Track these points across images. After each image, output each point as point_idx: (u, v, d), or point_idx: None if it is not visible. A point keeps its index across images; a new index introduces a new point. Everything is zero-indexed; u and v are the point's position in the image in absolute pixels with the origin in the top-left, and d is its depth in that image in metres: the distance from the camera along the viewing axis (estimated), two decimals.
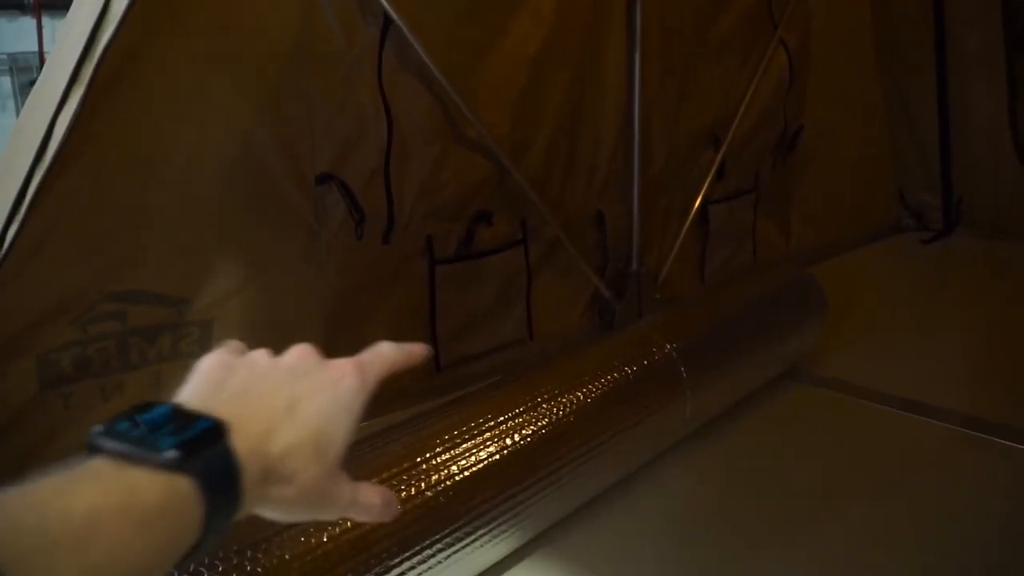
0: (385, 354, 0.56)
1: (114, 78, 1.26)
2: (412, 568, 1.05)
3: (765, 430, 1.70)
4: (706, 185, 2.34)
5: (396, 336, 1.84)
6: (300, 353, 0.54)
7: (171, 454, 0.40)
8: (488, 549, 1.16)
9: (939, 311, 2.46)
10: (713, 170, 2.34)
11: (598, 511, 1.39)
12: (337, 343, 1.64)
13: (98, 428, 0.41)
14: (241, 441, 0.44)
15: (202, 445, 0.42)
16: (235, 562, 0.93)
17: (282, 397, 0.49)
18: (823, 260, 2.63)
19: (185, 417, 0.43)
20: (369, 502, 0.52)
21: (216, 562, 0.91)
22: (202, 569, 0.90)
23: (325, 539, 0.98)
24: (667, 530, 1.36)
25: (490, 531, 1.15)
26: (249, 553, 0.94)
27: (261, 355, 0.54)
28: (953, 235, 3.14)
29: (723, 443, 1.62)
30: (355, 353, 1.68)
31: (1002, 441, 1.62)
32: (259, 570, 0.93)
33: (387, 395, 1.67)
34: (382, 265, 1.70)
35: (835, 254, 2.81)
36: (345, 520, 1.01)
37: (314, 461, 0.48)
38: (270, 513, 0.49)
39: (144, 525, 0.38)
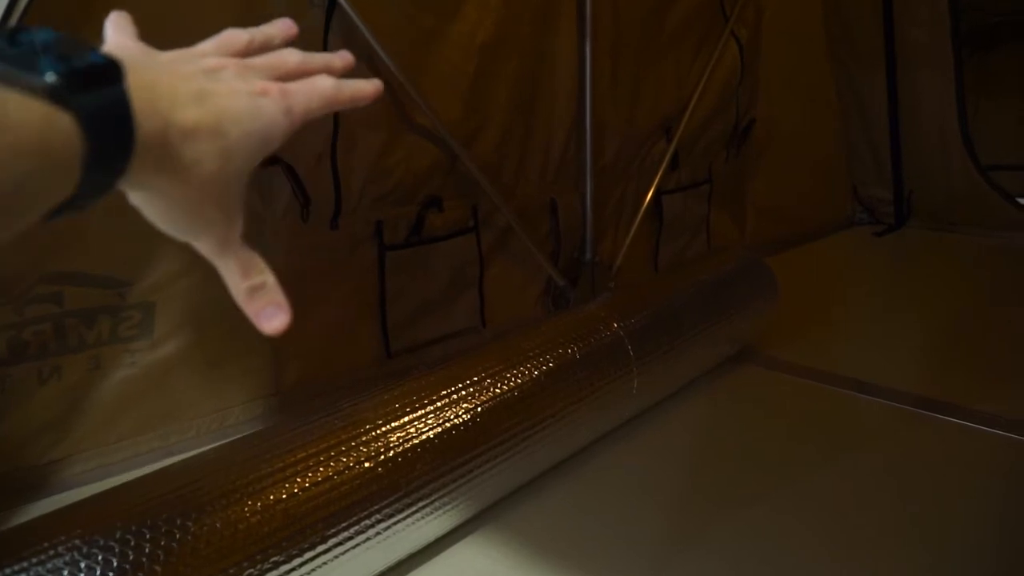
0: (320, 87, 0.49)
1: None
2: (350, 539, 1.03)
3: (715, 409, 1.71)
4: (659, 175, 2.35)
5: (346, 322, 1.84)
6: (221, 61, 0.46)
7: (52, 78, 0.34)
8: (431, 523, 1.15)
9: (889, 299, 2.50)
10: (666, 161, 2.36)
11: (545, 487, 1.38)
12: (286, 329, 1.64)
13: None
14: (141, 93, 0.38)
15: (92, 80, 0.36)
16: (164, 530, 0.91)
17: (193, 84, 0.43)
18: (777, 252, 2.66)
19: (77, 48, 0.36)
20: (261, 275, 0.48)
21: (143, 530, 0.90)
22: (129, 536, 0.89)
23: (259, 506, 0.97)
24: (614, 505, 1.36)
25: (432, 504, 1.14)
26: (179, 521, 0.92)
27: (177, 52, 0.47)
28: (904, 228, 3.20)
29: (672, 421, 1.63)
30: (301, 335, 1.66)
31: (945, 418, 1.65)
32: (188, 538, 0.91)
33: (336, 382, 1.66)
34: (331, 250, 1.69)
35: (789, 246, 2.85)
36: (279, 488, 1.00)
37: (219, 157, 0.42)
38: (149, 206, 0.44)
39: (10, 158, 0.32)
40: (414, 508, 1.11)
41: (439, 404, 1.19)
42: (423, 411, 1.17)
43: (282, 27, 0.53)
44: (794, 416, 1.70)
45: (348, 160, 1.65)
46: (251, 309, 0.49)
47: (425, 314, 1.88)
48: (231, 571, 0.92)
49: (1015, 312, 2.29)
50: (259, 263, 0.49)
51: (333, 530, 1.02)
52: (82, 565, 0.86)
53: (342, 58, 0.53)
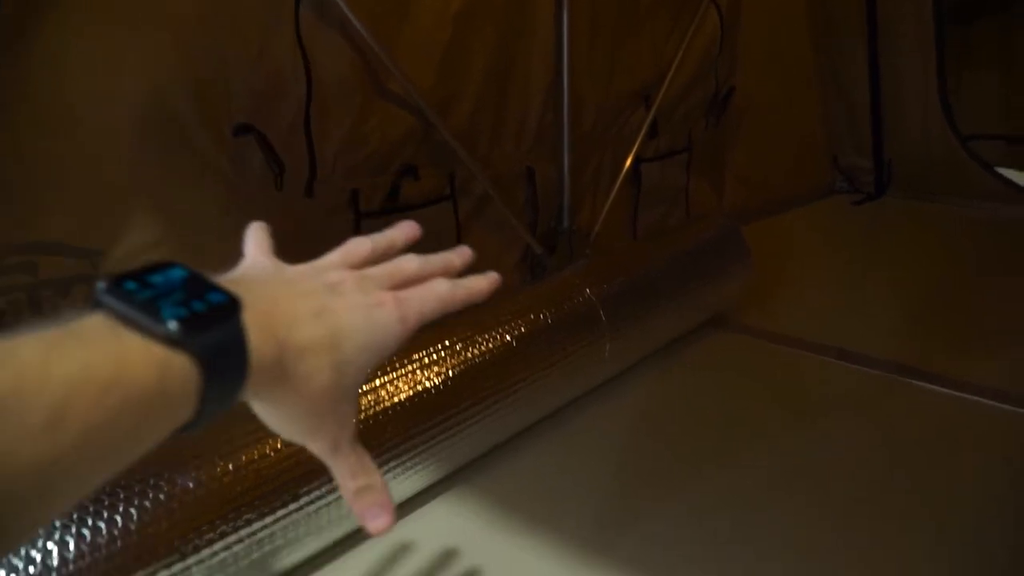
0: (436, 292, 0.52)
1: (15, 35, 1.25)
2: (322, 497, 1.05)
3: (688, 374, 1.73)
4: (637, 143, 2.36)
5: None
6: (341, 275, 0.51)
7: (173, 326, 0.36)
8: (403, 482, 1.18)
9: (866, 267, 2.53)
10: (644, 129, 2.37)
11: (518, 449, 1.41)
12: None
13: (103, 282, 0.37)
14: (258, 321, 0.40)
15: (211, 320, 0.37)
16: (137, 490, 0.93)
17: (313, 302, 0.46)
18: (756, 220, 2.68)
19: (199, 286, 0.39)
20: (368, 476, 0.49)
21: (117, 490, 0.92)
22: (102, 496, 0.90)
23: (231, 467, 0.99)
24: (587, 467, 1.39)
25: (403, 465, 1.16)
26: (152, 482, 0.94)
27: (304, 267, 0.52)
28: (884, 197, 3.22)
29: (646, 385, 1.66)
30: None
31: (920, 384, 1.68)
32: (161, 497, 0.93)
33: None
34: (306, 219, 1.70)
35: (768, 214, 2.86)
36: (251, 448, 1.01)
37: (332, 370, 0.44)
38: (267, 414, 0.47)
39: (128, 408, 0.34)
40: (385, 468, 1.13)
41: (410, 368, 1.21)
42: (394, 374, 1.19)
43: (405, 231, 0.57)
44: (769, 381, 1.73)
45: (322, 128, 1.65)
46: (357, 508, 0.52)
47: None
48: (203, 529, 0.94)
49: (992, 281, 2.32)
50: (368, 464, 0.52)
51: (305, 488, 1.04)
52: (56, 523, 0.88)
53: (461, 256, 0.57)
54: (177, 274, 0.39)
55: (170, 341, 0.35)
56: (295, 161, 1.63)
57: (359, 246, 0.56)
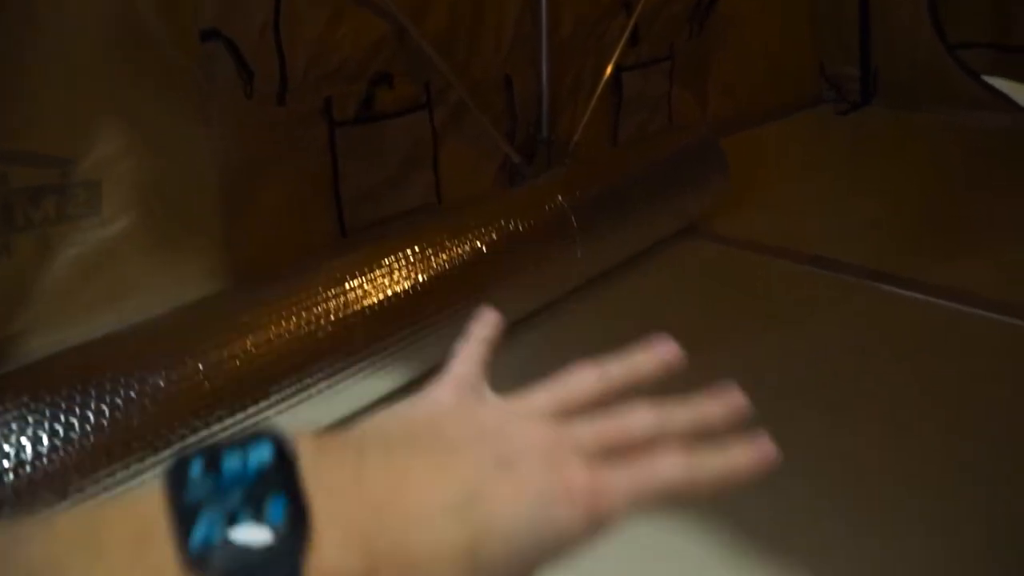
0: (662, 474, 0.35)
1: None
2: (293, 395, 1.09)
3: (661, 280, 1.76)
4: (618, 51, 2.33)
5: (299, 201, 1.84)
6: (529, 437, 0.36)
7: (195, 552, 0.27)
8: (374, 383, 1.20)
9: (848, 176, 2.53)
10: (625, 36, 2.33)
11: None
12: (235, 205, 1.66)
13: (176, 458, 0.30)
14: (346, 527, 0.29)
15: (244, 559, 0.28)
16: (109, 387, 0.95)
17: (461, 488, 0.32)
18: (740, 130, 2.66)
19: (268, 487, 0.29)
20: None
21: (89, 388, 0.94)
22: (75, 394, 0.93)
23: (201, 367, 1.01)
24: (554, 370, 1.42)
25: (374, 365, 1.19)
26: (123, 380, 0.96)
27: (487, 418, 0.37)
28: (869, 107, 3.19)
29: (618, 292, 1.68)
30: (254, 215, 1.67)
31: (893, 289, 1.70)
32: (132, 395, 0.96)
33: (291, 260, 1.66)
34: (279, 128, 1.69)
35: (753, 124, 2.84)
36: (221, 350, 1.04)
37: None
38: None
39: None
40: (356, 368, 1.16)
41: (379, 272, 1.23)
42: (363, 279, 1.21)
43: (660, 354, 0.40)
44: (742, 288, 1.75)
45: (292, 33, 1.63)
46: None
47: (380, 192, 1.89)
48: (176, 425, 0.97)
49: (974, 190, 2.33)
50: None
51: (275, 386, 1.07)
52: (29, 420, 0.90)
53: (726, 403, 0.38)
54: (256, 459, 0.30)
55: (188, 568, 0.28)
56: (265, 68, 1.61)
57: (583, 380, 0.40)
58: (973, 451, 1.19)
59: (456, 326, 1.27)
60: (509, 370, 1.37)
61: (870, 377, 1.39)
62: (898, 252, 1.88)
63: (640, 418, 0.37)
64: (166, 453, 0.96)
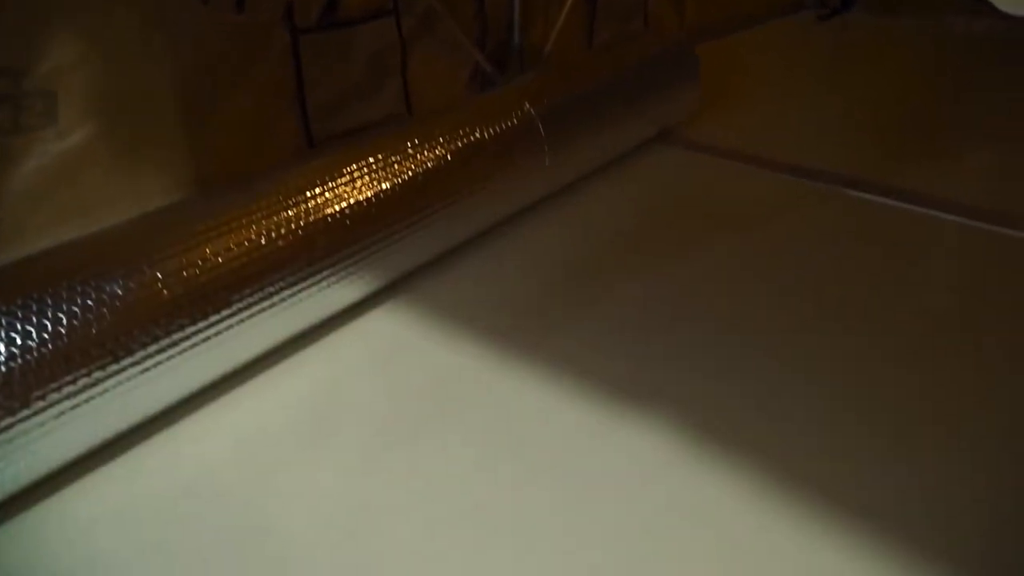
0: None
1: None
2: (255, 303, 1.08)
3: (632, 186, 1.75)
4: None
5: (264, 111, 1.80)
6: None
7: None
8: (337, 291, 1.20)
9: (827, 83, 2.50)
10: None
11: (460, 259, 1.44)
12: (197, 116, 1.62)
13: None
14: None
15: None
16: (66, 296, 0.95)
17: None
18: (718, 37, 2.61)
19: None
20: None
21: (45, 297, 0.93)
22: (31, 303, 0.92)
23: (159, 275, 1.01)
24: (524, 276, 1.42)
25: (338, 274, 1.19)
26: (79, 288, 0.96)
27: None
28: (850, 12, 3.13)
29: (588, 198, 1.68)
30: (217, 126, 1.63)
31: (860, 194, 1.71)
32: (89, 303, 0.95)
33: (258, 171, 1.63)
34: (239, 35, 1.64)
35: (732, 31, 2.79)
36: (179, 259, 1.03)
37: None
38: None
39: None
40: (319, 277, 1.16)
41: (341, 181, 1.21)
42: (324, 187, 1.19)
43: None
44: (714, 195, 1.75)
45: None
46: None
47: (347, 102, 1.85)
48: (134, 332, 0.97)
49: (952, 95, 2.31)
50: None
51: (237, 295, 1.07)
52: None
53: None
54: None
55: None
56: None
57: None
58: (949, 355, 1.21)
59: (420, 235, 1.28)
60: (478, 278, 1.39)
61: (844, 284, 1.40)
62: (875, 159, 1.88)
63: None
64: (127, 361, 0.97)
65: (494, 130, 1.44)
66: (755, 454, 1.00)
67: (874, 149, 1.95)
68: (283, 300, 1.12)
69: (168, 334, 1.00)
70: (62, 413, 0.92)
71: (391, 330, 1.27)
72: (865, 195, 1.70)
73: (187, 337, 1.02)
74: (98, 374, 0.95)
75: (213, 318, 1.04)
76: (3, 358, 0.88)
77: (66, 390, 0.92)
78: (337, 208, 1.19)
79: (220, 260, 1.06)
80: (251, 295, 1.08)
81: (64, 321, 0.93)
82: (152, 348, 0.99)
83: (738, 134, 2.02)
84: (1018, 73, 2.47)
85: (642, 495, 0.96)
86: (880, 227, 1.60)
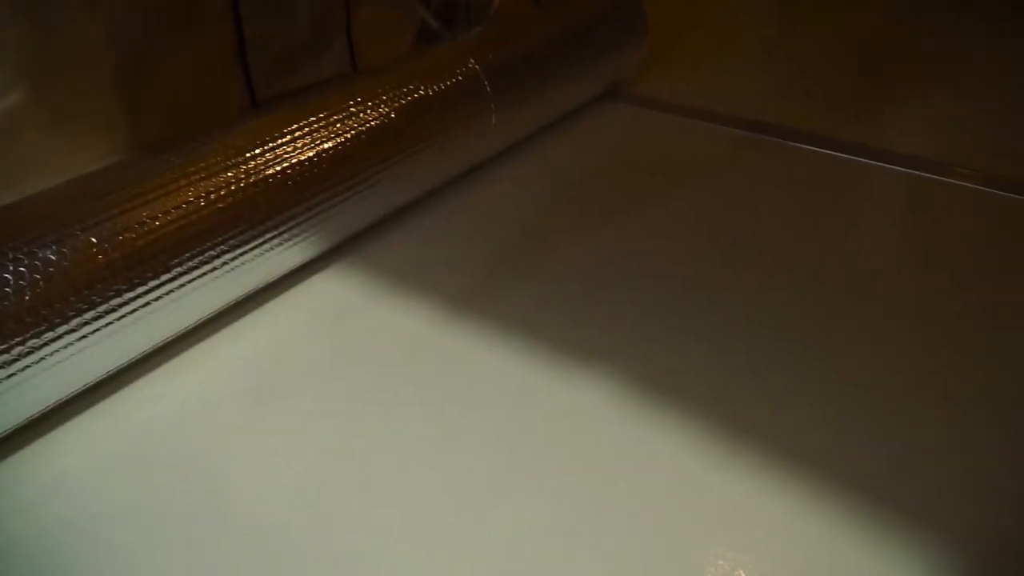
0: None
1: None
2: (195, 268, 1.07)
3: (579, 145, 1.75)
4: None
5: (205, 72, 1.77)
6: None
7: None
8: (280, 254, 1.19)
9: (773, 37, 2.50)
10: None
11: (405, 222, 1.43)
12: (134, 77, 1.58)
13: None
14: None
15: None
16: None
17: None
18: None
19: None
20: None
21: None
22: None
23: (94, 240, 0.99)
24: (471, 238, 1.42)
25: (280, 236, 1.18)
26: (11, 255, 0.94)
27: None
28: None
29: (535, 158, 1.68)
30: (156, 86, 1.60)
31: (808, 147, 1.73)
32: (22, 270, 0.93)
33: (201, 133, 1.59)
34: (167, 7, 1.59)
35: None
36: (114, 222, 1.01)
37: None
38: None
39: None
40: (260, 240, 1.14)
41: (281, 141, 1.19)
42: (264, 148, 1.17)
43: None
44: (662, 151, 1.76)
45: None
46: None
47: (291, 61, 1.81)
48: (70, 299, 0.96)
49: (898, 48, 2.33)
50: None
51: (176, 260, 1.05)
52: None
53: None
54: None
55: None
56: None
57: None
58: (894, 303, 1.24)
59: (365, 196, 1.27)
60: (424, 240, 1.38)
61: (797, 236, 1.42)
62: (824, 112, 1.90)
63: None
64: (63, 328, 0.95)
65: (439, 87, 1.42)
66: (704, 408, 1.02)
67: (822, 102, 1.97)
68: (224, 264, 1.10)
69: (106, 300, 0.99)
70: None
71: (337, 293, 1.26)
72: (814, 148, 1.72)
73: (126, 303, 1.00)
74: (33, 342, 0.93)
75: (152, 283, 1.03)
76: None
77: (1, 359, 0.91)
78: (278, 169, 1.17)
79: (158, 223, 1.04)
80: (191, 259, 1.06)
81: None
82: (89, 315, 0.97)
83: (686, 89, 2.03)
84: (968, 21, 2.50)
85: (594, 450, 0.97)
86: (828, 179, 1.62)
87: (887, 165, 1.65)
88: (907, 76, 2.13)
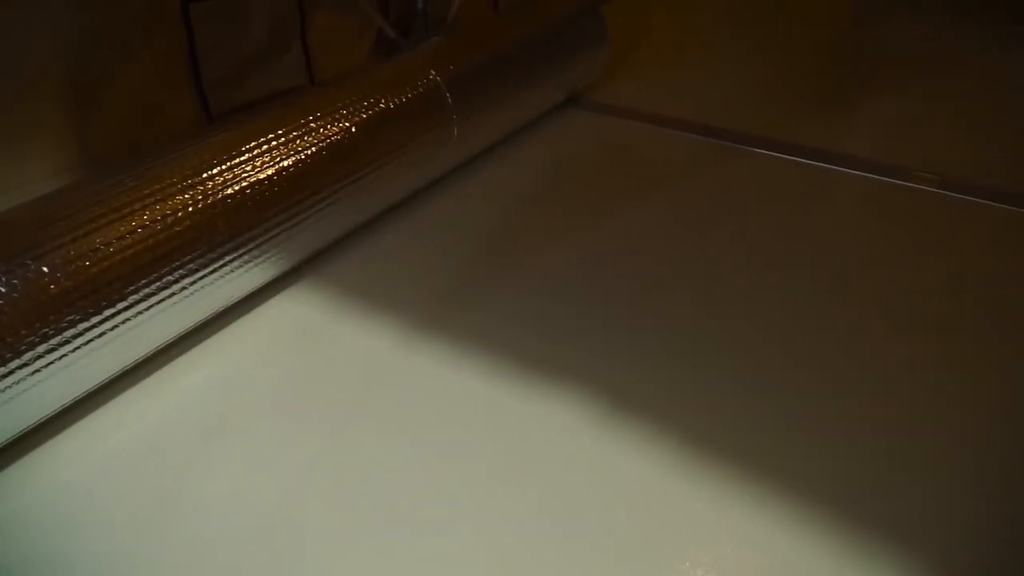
0: None
1: None
2: (152, 295, 1.03)
3: (542, 153, 1.74)
4: None
5: (156, 84, 1.72)
6: None
7: None
8: (241, 276, 1.16)
9: (733, 42, 2.52)
10: None
11: (368, 237, 1.41)
12: (83, 92, 1.53)
13: None
14: None
15: None
16: None
17: None
18: None
19: None
20: None
21: None
22: None
23: (45, 269, 0.95)
24: (434, 252, 1.40)
25: (240, 258, 1.14)
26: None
27: None
28: None
29: (497, 169, 1.66)
30: (106, 102, 1.55)
31: (765, 152, 1.74)
32: (1, 302, 0.89)
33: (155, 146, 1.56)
34: (126, 3, 1.55)
35: None
36: (67, 249, 0.97)
37: None
38: None
39: None
40: (220, 263, 1.11)
41: (238, 160, 1.16)
42: (221, 167, 1.14)
43: None
44: (621, 157, 1.75)
45: None
46: None
47: (246, 72, 1.77)
48: (21, 332, 0.92)
49: (854, 51, 2.36)
50: None
51: (132, 287, 1.01)
52: None
53: None
54: None
55: None
56: None
57: None
58: (852, 304, 1.25)
59: (327, 214, 1.24)
60: (387, 256, 1.36)
61: (759, 242, 1.42)
62: (783, 117, 1.91)
63: None
64: (15, 364, 0.91)
65: (399, 100, 1.40)
66: (671, 421, 1.02)
67: (781, 107, 1.99)
68: (183, 289, 1.07)
69: (59, 332, 0.95)
70: None
71: (299, 314, 1.23)
72: (773, 153, 1.73)
73: (80, 334, 0.97)
74: None
75: (108, 312, 0.99)
76: None
77: None
78: (237, 188, 1.14)
79: (112, 250, 1.00)
80: (148, 286, 1.03)
81: None
82: (42, 348, 0.93)
83: (648, 96, 2.03)
84: (924, 23, 2.55)
85: (561, 466, 0.96)
86: (787, 184, 1.63)
87: (846, 169, 1.66)
88: (863, 80, 2.16)
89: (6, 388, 0.90)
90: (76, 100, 1.52)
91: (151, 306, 1.04)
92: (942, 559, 0.85)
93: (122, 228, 1.02)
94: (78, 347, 0.97)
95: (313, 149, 1.24)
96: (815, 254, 1.39)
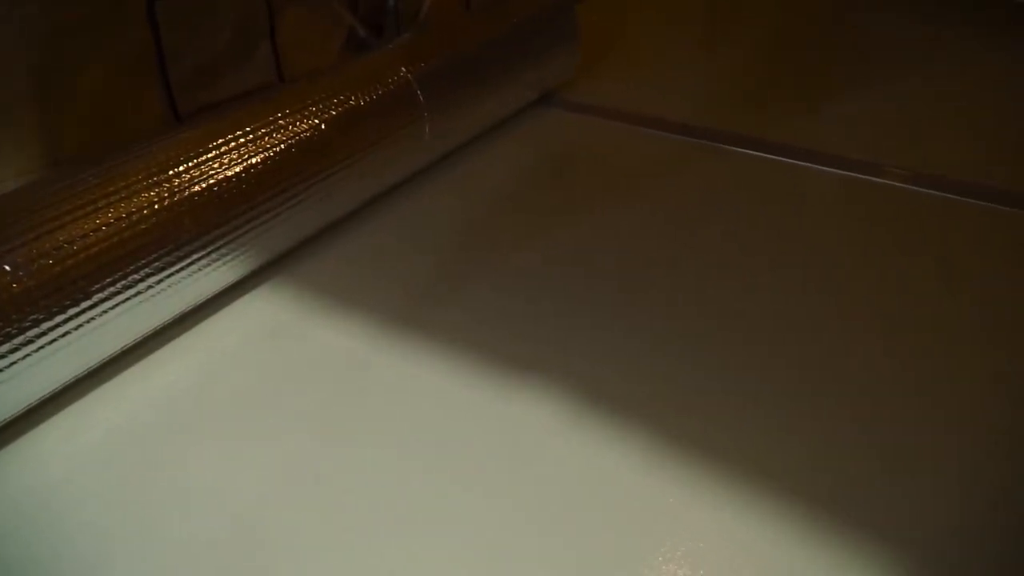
0: None
1: None
2: (118, 293, 1.02)
3: (515, 152, 1.73)
4: None
5: (123, 84, 1.69)
6: None
7: None
8: (208, 275, 1.15)
9: (705, 40, 2.54)
10: None
11: (340, 235, 1.40)
12: (47, 92, 1.51)
13: None
14: None
15: None
16: None
17: None
18: None
19: None
20: None
21: None
22: None
23: (8, 268, 0.93)
24: (405, 251, 1.39)
25: (208, 256, 1.13)
26: None
27: None
28: None
29: (470, 168, 1.65)
30: (72, 102, 1.53)
31: (739, 149, 1.75)
32: None
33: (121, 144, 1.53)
34: (91, 2, 1.52)
35: None
36: (30, 248, 0.95)
37: None
38: None
39: None
40: (187, 261, 1.10)
41: (206, 157, 1.15)
42: (188, 163, 1.12)
43: None
44: (594, 155, 1.76)
45: None
46: None
47: (214, 71, 1.75)
48: None
49: (829, 49, 2.38)
50: None
51: (97, 286, 1.00)
52: None
53: None
54: None
55: None
56: None
57: None
58: (841, 303, 1.25)
59: (296, 212, 1.23)
60: (359, 254, 1.34)
61: (737, 239, 1.42)
62: (756, 115, 1.91)
63: None
64: None
65: (370, 97, 1.39)
66: (649, 419, 1.01)
67: (754, 104, 2.00)
68: (150, 288, 1.05)
69: (22, 332, 0.93)
70: None
71: (269, 313, 1.22)
72: (748, 151, 1.74)
73: (44, 333, 0.95)
74: None
75: (72, 311, 0.97)
76: None
77: None
78: (204, 185, 1.13)
79: (76, 248, 0.98)
80: (113, 284, 1.01)
81: None
82: (4, 348, 0.91)
83: (619, 94, 2.03)
84: (891, 21, 2.57)
85: (536, 465, 0.96)
86: (761, 181, 1.63)
87: (820, 166, 1.67)
88: (835, 76, 2.17)
89: None
90: (41, 101, 1.50)
91: (117, 305, 1.02)
92: (934, 559, 0.85)
93: (86, 226, 1.01)
94: (42, 347, 0.95)
95: (282, 146, 1.23)
96: (804, 254, 1.38)
